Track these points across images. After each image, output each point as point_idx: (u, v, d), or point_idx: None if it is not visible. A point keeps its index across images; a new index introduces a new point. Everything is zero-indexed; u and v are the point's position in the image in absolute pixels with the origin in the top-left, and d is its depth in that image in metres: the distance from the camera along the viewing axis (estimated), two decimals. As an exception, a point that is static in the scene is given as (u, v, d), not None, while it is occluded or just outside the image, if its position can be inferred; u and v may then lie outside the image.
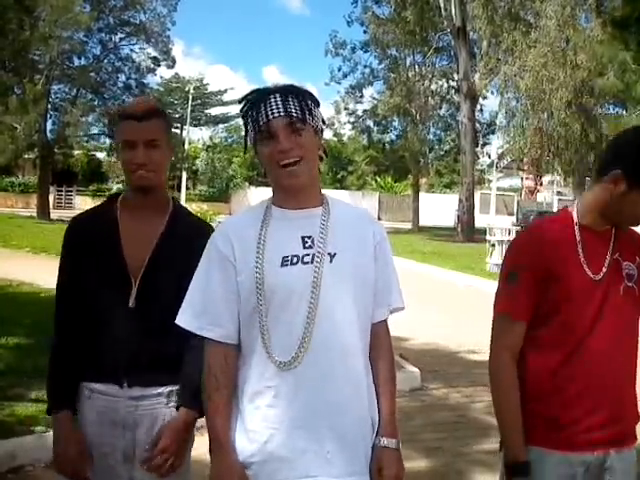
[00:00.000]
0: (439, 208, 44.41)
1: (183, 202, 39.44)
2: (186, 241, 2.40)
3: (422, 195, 41.51)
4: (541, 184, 53.31)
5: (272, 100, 1.95)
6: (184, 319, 2.03)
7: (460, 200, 31.87)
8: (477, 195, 37.58)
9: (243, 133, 2.07)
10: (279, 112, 1.93)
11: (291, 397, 1.93)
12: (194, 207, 21.64)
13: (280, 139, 1.92)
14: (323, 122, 2.07)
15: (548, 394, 2.20)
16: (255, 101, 1.98)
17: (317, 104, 2.04)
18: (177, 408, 2.36)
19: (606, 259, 2.21)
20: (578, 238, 2.21)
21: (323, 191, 2.14)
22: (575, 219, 2.25)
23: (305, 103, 1.97)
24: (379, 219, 39.92)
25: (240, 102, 2.04)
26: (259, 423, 1.95)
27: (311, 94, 2.03)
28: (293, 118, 1.93)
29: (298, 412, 1.93)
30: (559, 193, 48.10)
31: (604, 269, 2.20)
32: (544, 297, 2.19)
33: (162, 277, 2.39)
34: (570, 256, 2.20)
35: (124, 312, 2.36)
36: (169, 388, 2.38)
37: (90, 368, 2.40)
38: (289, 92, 1.97)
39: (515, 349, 2.23)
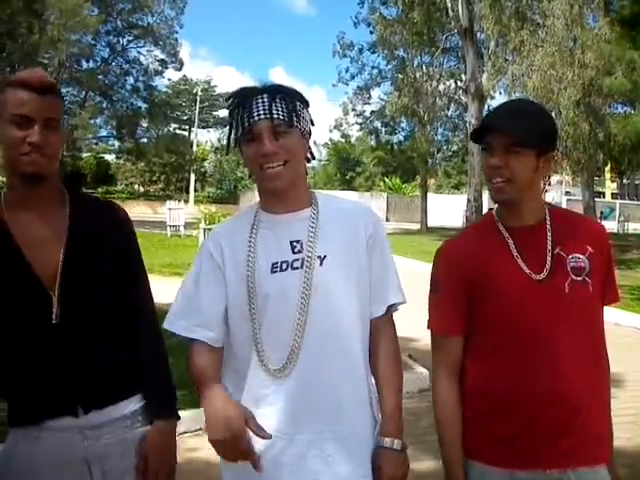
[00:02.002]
0: (447, 209, 44.24)
1: (191, 204, 39.55)
2: (100, 230, 2.08)
3: (430, 196, 41.38)
4: (549, 184, 52.85)
5: (259, 101, 1.90)
6: (169, 322, 2.01)
7: (468, 201, 31.74)
8: (485, 196, 37.37)
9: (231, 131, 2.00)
10: (265, 114, 1.89)
11: (288, 403, 1.92)
12: (202, 209, 21.63)
13: (264, 142, 1.88)
14: (312, 123, 2.03)
15: (488, 407, 2.05)
16: (242, 100, 1.94)
17: (306, 105, 2.01)
18: (150, 422, 2.11)
19: (547, 255, 2.02)
20: (506, 236, 2.06)
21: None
22: (495, 218, 2.11)
23: (293, 105, 1.93)
24: (387, 220, 39.90)
25: (227, 99, 2.01)
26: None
27: (300, 95, 2.00)
28: (278, 121, 1.89)
29: (297, 418, 1.92)
30: (568, 193, 47.94)
31: (547, 267, 2.01)
32: (474, 307, 2.06)
33: (86, 280, 2.04)
34: (500, 259, 2.04)
35: (48, 331, 1.97)
36: (131, 408, 2.10)
37: (30, 407, 2.01)
38: (277, 93, 1.93)
39: (451, 365, 2.11)
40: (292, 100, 1.95)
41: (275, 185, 1.93)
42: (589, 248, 2.04)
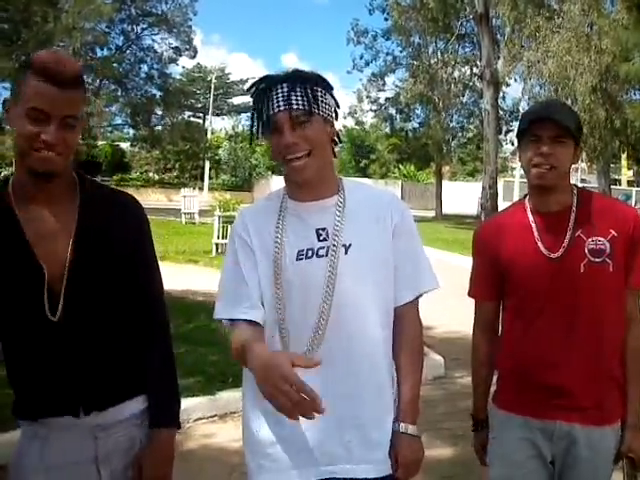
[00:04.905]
0: (462, 196, 44.08)
1: (206, 191, 39.64)
2: (110, 225, 1.97)
3: (445, 183, 41.28)
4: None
5: (278, 92, 1.90)
6: (222, 312, 2.00)
7: (483, 188, 31.56)
8: (500, 183, 37.27)
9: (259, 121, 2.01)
10: (284, 106, 1.88)
11: None
12: (217, 196, 21.65)
13: (285, 134, 1.89)
14: (337, 105, 2.02)
15: (512, 365, 2.40)
16: (262, 92, 1.95)
17: (329, 89, 1.99)
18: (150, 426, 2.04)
19: (565, 237, 2.25)
20: (532, 219, 2.32)
21: (343, 177, 2.12)
22: (527, 204, 2.37)
23: (313, 92, 1.92)
24: (402, 207, 39.60)
25: (248, 89, 2.01)
26: (280, 415, 1.95)
27: (322, 79, 1.98)
28: (297, 111, 1.89)
29: None
30: (583, 180, 47.58)
31: (563, 247, 2.24)
32: (505, 279, 2.39)
33: (93, 277, 1.94)
34: (522, 240, 2.32)
35: (50, 328, 1.88)
36: (139, 406, 2.04)
37: (31, 403, 1.96)
38: (296, 81, 1.92)
39: (485, 326, 2.54)
40: (312, 87, 1.93)
41: (300, 178, 1.95)
42: (612, 231, 2.22)
